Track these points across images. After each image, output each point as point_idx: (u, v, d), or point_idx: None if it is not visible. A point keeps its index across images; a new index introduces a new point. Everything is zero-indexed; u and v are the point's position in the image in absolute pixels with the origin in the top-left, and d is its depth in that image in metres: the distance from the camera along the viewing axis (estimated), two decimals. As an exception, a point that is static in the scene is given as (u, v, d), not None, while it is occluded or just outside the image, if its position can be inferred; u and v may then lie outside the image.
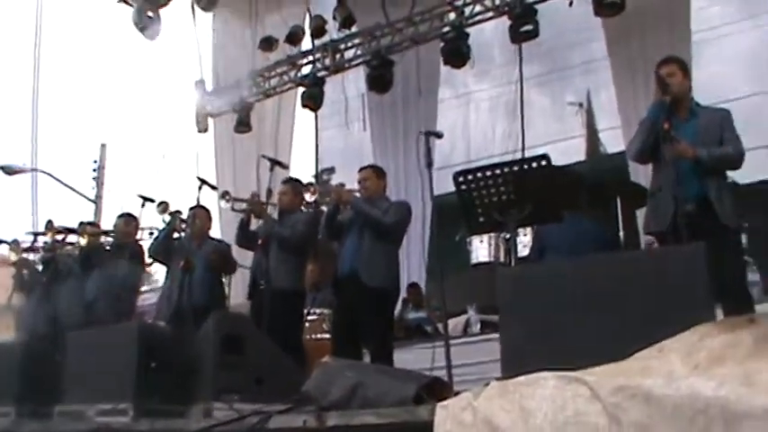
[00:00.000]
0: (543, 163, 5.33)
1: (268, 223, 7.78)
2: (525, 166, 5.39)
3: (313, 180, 8.05)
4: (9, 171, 20.05)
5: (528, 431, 3.46)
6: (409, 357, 7.49)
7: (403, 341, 9.36)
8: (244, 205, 8.14)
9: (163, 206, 8.37)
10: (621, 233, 7.48)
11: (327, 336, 8.48)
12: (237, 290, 9.19)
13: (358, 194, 7.40)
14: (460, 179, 5.48)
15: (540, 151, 6.08)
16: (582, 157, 17.60)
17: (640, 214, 8.96)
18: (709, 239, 4.08)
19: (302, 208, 8.18)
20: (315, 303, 9.45)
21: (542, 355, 3.77)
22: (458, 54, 11.67)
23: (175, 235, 8.44)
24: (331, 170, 16.32)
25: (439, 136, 6.55)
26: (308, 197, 7.91)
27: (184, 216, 8.35)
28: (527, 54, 13.96)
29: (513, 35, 11.17)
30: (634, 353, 3.55)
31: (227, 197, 8.26)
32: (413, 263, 12.08)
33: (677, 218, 5.37)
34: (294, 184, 8.20)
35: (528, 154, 11.05)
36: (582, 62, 16.40)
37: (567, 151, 16.07)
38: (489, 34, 13.52)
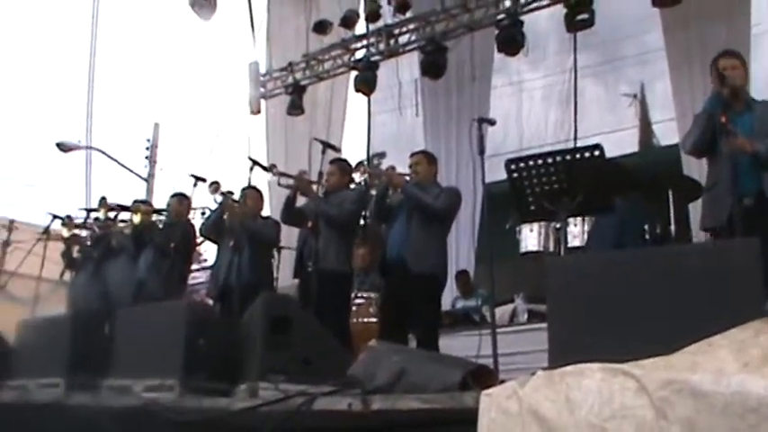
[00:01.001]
0: (596, 153, 5.30)
1: (315, 201, 7.77)
2: (578, 156, 5.36)
3: (363, 161, 8.01)
4: (64, 148, 20.29)
5: (574, 422, 3.45)
6: (455, 344, 7.47)
7: (449, 328, 9.35)
8: (291, 181, 8.14)
9: (214, 186, 8.39)
10: (673, 227, 7.38)
11: (374, 320, 8.47)
12: (286, 271, 9.21)
13: (408, 179, 7.39)
14: (512, 167, 5.47)
15: (592, 141, 6.02)
16: (635, 148, 17.44)
17: (693, 208, 8.91)
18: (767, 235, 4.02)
19: (350, 188, 8.17)
20: (363, 287, 9.45)
21: (590, 347, 3.75)
22: (512, 41, 11.61)
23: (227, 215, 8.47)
24: (382, 155, 16.33)
25: (492, 123, 6.53)
26: (358, 177, 7.91)
27: (236, 197, 8.38)
28: (581, 43, 13.93)
29: (569, 23, 11.10)
30: (683, 347, 3.52)
31: (275, 170, 8.29)
32: (462, 250, 12.09)
33: (734, 213, 5.27)
34: (342, 164, 8.19)
35: (580, 144, 10.95)
36: (637, 53, 16.25)
37: (620, 142, 15.91)
38: (544, 22, 13.46)
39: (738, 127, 5.63)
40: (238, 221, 7.91)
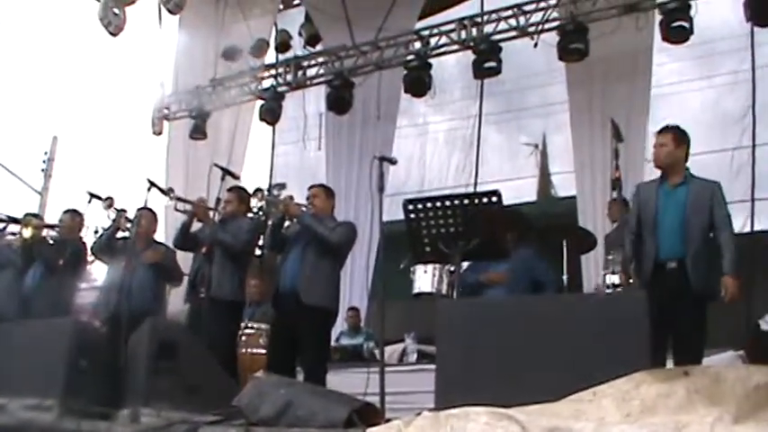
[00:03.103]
0: (494, 199, 5.36)
1: (211, 227, 7.70)
2: (476, 201, 5.42)
3: (262, 187, 7.93)
4: (-47, 155, 19.76)
5: (456, 464, 3.46)
6: (343, 380, 7.45)
7: (338, 363, 9.32)
8: (188, 206, 8.07)
9: (108, 201, 8.26)
10: (565, 276, 7.50)
11: (263, 351, 8.40)
12: (177, 294, 9.10)
13: (305, 210, 7.37)
14: (410, 207, 5.50)
15: (492, 188, 6.11)
16: (533, 197, 17.73)
17: (584, 260, 9.08)
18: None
19: (247, 216, 8.12)
20: (254, 317, 9.38)
21: (476, 389, 3.79)
22: (419, 83, 11.76)
23: (120, 235, 8.34)
24: (282, 186, 16.14)
25: (393, 162, 6.56)
26: (255, 203, 7.85)
27: (130, 216, 8.25)
28: (486, 91, 14.12)
29: (476, 70, 11.29)
30: (569, 394, 3.57)
31: (172, 195, 8.19)
32: (355, 287, 12.11)
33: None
34: (240, 192, 8.13)
35: (480, 189, 11.11)
36: (540, 104, 16.56)
37: (519, 190, 16.18)
38: (450, 68, 13.64)
39: (672, 199, 6.11)
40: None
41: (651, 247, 6.09)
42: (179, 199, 8.18)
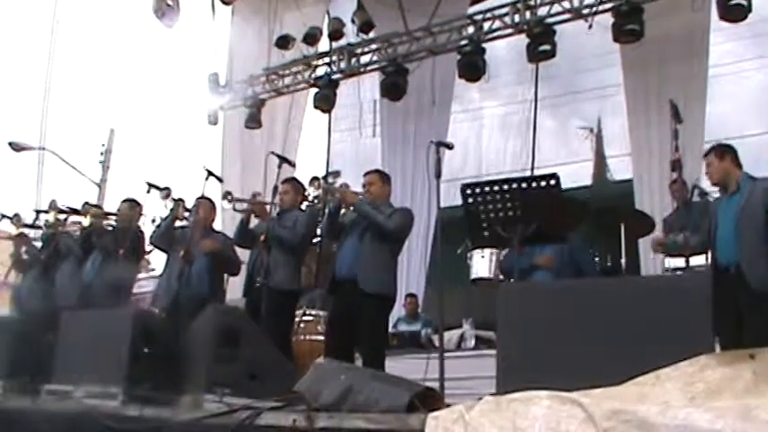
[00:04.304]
0: (552, 182, 5.33)
1: (268, 223, 7.73)
2: (534, 184, 5.39)
3: (318, 176, 7.95)
4: (16, 147, 20.02)
5: (518, 449, 3.45)
6: (401, 367, 7.45)
7: (396, 350, 9.33)
8: (245, 205, 8.13)
9: (166, 191, 8.33)
10: (623, 260, 7.44)
11: (321, 337, 8.42)
12: (234, 286, 9.15)
13: (362, 197, 7.37)
14: (468, 191, 5.48)
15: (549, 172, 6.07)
16: (588, 181, 17.59)
17: (643, 243, 8.99)
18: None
19: (302, 207, 8.15)
20: (310, 304, 9.42)
21: (538, 374, 3.76)
22: (473, 68, 11.70)
23: (178, 224, 8.40)
24: (337, 173, 16.18)
25: (449, 147, 6.51)
26: (312, 190, 7.86)
27: (188, 205, 8.32)
28: (540, 75, 14.02)
29: (531, 54, 11.19)
30: (631, 378, 3.54)
31: (230, 197, 8.25)
32: (412, 273, 12.11)
33: None
34: (295, 183, 8.17)
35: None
36: (595, 87, 16.41)
37: (574, 175, 16.04)
38: (502, 52, 13.55)
39: (725, 208, 6.47)
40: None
41: (713, 260, 6.43)
42: (237, 199, 8.24)
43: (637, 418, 3.22)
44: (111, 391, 5.70)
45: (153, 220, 8.94)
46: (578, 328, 3.88)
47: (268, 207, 7.89)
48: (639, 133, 11.32)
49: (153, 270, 16.40)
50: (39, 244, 9.98)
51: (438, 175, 6.06)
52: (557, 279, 7.04)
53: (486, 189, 5.42)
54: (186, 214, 8.34)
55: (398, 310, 11.01)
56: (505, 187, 5.38)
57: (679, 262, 6.95)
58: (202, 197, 8.14)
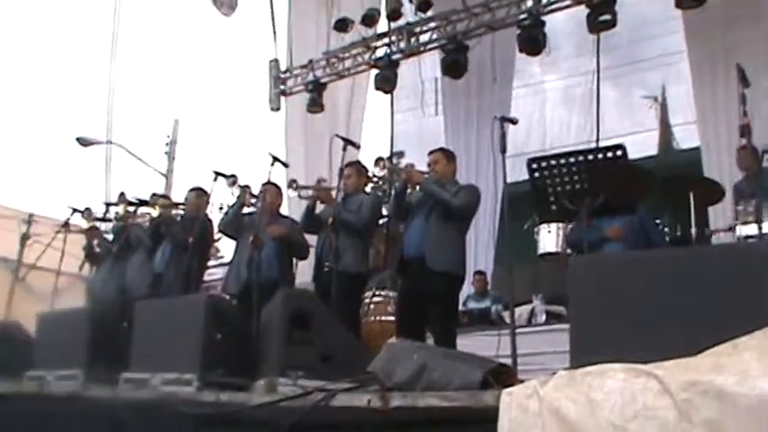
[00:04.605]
0: (618, 153, 5.28)
1: (334, 208, 7.76)
2: (600, 156, 5.35)
3: (383, 156, 7.99)
4: (84, 143, 20.33)
5: (595, 423, 3.42)
6: (472, 344, 7.46)
7: (466, 327, 9.33)
8: (310, 192, 8.17)
9: (232, 179, 8.41)
10: (693, 229, 7.35)
11: (391, 318, 8.46)
12: (303, 271, 9.22)
13: (427, 176, 7.36)
14: (534, 165, 5.47)
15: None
16: (654, 151, 17.40)
17: (712, 211, 8.87)
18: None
19: (366, 190, 8.18)
20: (379, 285, 9.45)
21: (611, 347, 3.73)
22: (534, 42, 11.59)
23: (246, 210, 8.47)
24: (400, 154, 16.31)
25: (513, 122, 6.47)
26: (377, 172, 7.88)
27: (254, 191, 8.39)
28: (594, 46, 13.87)
29: (591, 24, 11.05)
30: (706, 349, 3.49)
31: (295, 185, 8.30)
32: (480, 250, 12.10)
33: None
34: (358, 167, 8.20)
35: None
36: (657, 55, 16.21)
37: (639, 145, 15.89)
38: (561, 24, 13.43)
39: None
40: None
41: None
42: (302, 187, 8.29)
43: (714, 389, 3.18)
44: (186, 377, 5.77)
45: (220, 208, 9.04)
46: (651, 299, 3.83)
47: (333, 192, 7.93)
48: (705, 100, 11.15)
49: (222, 257, 16.59)
50: (110, 236, 10.15)
51: (503, 150, 6.03)
52: (627, 251, 6.96)
53: (553, 162, 5.40)
54: (253, 201, 8.41)
55: (467, 288, 11.01)
56: (572, 160, 5.36)
57: (751, 229, 6.86)
58: (269, 183, 8.19)
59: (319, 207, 8.23)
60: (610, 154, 5.31)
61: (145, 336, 6.63)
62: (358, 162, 8.43)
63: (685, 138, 15.93)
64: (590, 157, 5.36)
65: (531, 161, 5.50)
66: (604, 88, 15.30)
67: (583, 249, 6.11)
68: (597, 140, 12.83)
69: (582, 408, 3.49)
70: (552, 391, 3.65)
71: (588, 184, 5.31)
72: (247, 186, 8.47)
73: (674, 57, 14.06)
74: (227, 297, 8.16)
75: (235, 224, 8.43)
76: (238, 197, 8.42)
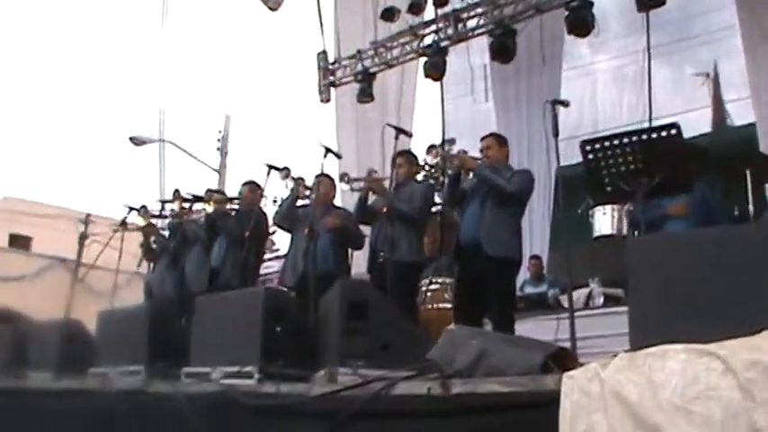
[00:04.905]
0: (673, 132, 5.23)
1: (386, 198, 7.77)
2: (655, 135, 5.30)
3: (435, 144, 8.00)
4: (137, 142, 20.59)
5: (657, 404, 3.40)
6: (530, 329, 7.44)
7: (524, 312, 9.30)
8: (362, 184, 8.19)
9: (285, 171, 8.45)
10: (751, 206, 7.27)
11: (448, 305, 8.46)
12: (358, 261, 9.24)
13: (480, 162, 7.34)
14: (588, 147, 5.42)
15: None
16: (708, 128, 17.18)
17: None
18: None
19: (417, 179, 8.18)
20: (435, 273, 9.44)
21: (672, 327, 3.70)
22: (583, 23, 11.50)
23: (300, 203, 8.51)
24: (451, 141, 16.28)
25: (566, 105, 6.44)
26: (430, 159, 7.89)
27: (308, 183, 8.42)
28: (643, 25, 13.72)
29: (640, 3, 10.95)
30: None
31: (347, 178, 8.33)
32: (535, 234, 12.05)
33: None
34: (408, 156, 8.20)
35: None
36: (707, 31, 16.00)
37: (692, 123, 15.68)
38: (610, 4, 13.31)
39: None
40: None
41: None
42: (354, 179, 8.31)
43: (778, 367, 3.16)
44: (246, 370, 5.82)
45: (274, 201, 9.09)
46: (710, 278, 3.79)
47: (385, 182, 7.93)
48: (759, 73, 10.98)
49: (277, 250, 16.69)
50: (166, 233, 10.26)
51: (556, 133, 6.02)
52: (689, 228, 6.86)
53: (606, 144, 5.35)
54: (307, 192, 8.44)
55: (523, 273, 10.96)
56: (626, 140, 5.31)
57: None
58: (322, 174, 8.22)
59: (371, 198, 8.24)
60: (664, 133, 5.25)
61: (204, 330, 6.70)
62: (408, 151, 8.43)
63: (739, 114, 15.69)
64: (644, 136, 5.30)
65: (584, 143, 5.45)
66: (655, 67, 15.11)
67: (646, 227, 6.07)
68: (650, 120, 12.72)
69: (643, 389, 3.48)
70: (613, 374, 3.64)
71: (643, 165, 5.25)
72: (301, 178, 8.51)
73: (726, 32, 13.85)
74: (285, 289, 8.21)
75: (290, 217, 8.47)
76: (292, 189, 8.47)
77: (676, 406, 3.33)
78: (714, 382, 3.29)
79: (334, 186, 8.66)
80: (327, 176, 8.42)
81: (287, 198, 8.58)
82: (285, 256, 8.96)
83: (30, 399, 7.84)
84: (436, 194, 8.58)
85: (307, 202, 8.50)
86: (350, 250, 8.77)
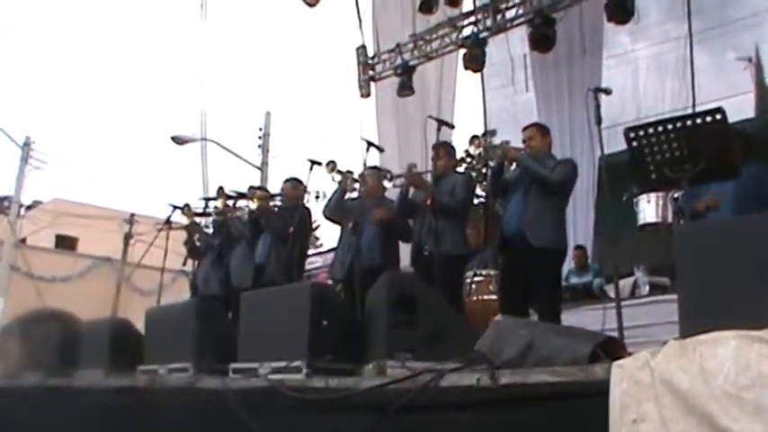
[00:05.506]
0: (718, 117, 5.19)
1: (428, 191, 7.76)
2: (699, 121, 5.26)
3: (478, 134, 8.00)
4: (179, 141, 20.72)
5: (708, 392, 3.38)
6: (577, 319, 7.42)
7: (569, 303, 9.28)
8: (403, 180, 8.20)
9: (331, 165, 8.46)
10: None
11: (494, 297, 8.44)
12: (403, 255, 9.25)
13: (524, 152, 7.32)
14: (632, 135, 5.39)
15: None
16: (751, 114, 17.00)
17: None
18: None
19: (458, 170, 8.17)
20: (480, 265, 9.43)
21: (722, 314, 3.67)
22: (622, 10, 11.44)
23: (348, 196, 8.54)
24: (492, 133, 16.26)
25: (608, 92, 6.40)
26: (472, 150, 7.90)
27: (355, 176, 8.44)
28: (683, 11, 13.62)
29: (682, -11, 10.88)
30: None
31: (389, 176, 8.32)
32: (579, 224, 12.00)
33: None
34: (446, 147, 8.18)
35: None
36: (747, 15, 15.84)
37: (735, 108, 15.52)
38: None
39: None
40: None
41: None
42: (397, 176, 8.32)
43: (830, 353, 3.13)
44: (294, 364, 5.83)
45: (317, 197, 9.11)
46: (758, 263, 3.76)
47: (427, 175, 7.93)
48: (802, 57, 10.89)
49: (321, 246, 16.76)
50: (210, 230, 10.33)
51: (598, 122, 5.99)
52: (736, 214, 6.77)
53: (650, 131, 5.32)
54: (356, 185, 8.45)
55: (567, 263, 10.93)
56: (670, 127, 5.27)
57: None
58: (370, 167, 8.24)
59: (411, 192, 8.23)
60: (709, 118, 5.21)
61: (251, 326, 6.72)
62: (446, 143, 8.40)
63: (784, 97, 15.56)
64: (689, 122, 5.26)
65: (628, 130, 5.42)
66: (696, 52, 15.02)
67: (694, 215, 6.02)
68: (693, 106, 12.63)
69: (694, 377, 3.45)
70: (663, 362, 3.62)
71: (688, 151, 5.21)
72: (350, 171, 8.53)
73: (765, 15, 13.72)
74: (333, 282, 8.24)
75: (339, 209, 8.50)
76: (340, 182, 8.48)
77: (729, 393, 3.31)
78: (766, 369, 3.27)
79: (383, 178, 8.66)
80: (376, 168, 8.43)
81: (335, 191, 8.58)
82: (334, 249, 8.98)
83: (80, 398, 7.91)
84: (477, 186, 8.56)
85: (355, 195, 8.51)
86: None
